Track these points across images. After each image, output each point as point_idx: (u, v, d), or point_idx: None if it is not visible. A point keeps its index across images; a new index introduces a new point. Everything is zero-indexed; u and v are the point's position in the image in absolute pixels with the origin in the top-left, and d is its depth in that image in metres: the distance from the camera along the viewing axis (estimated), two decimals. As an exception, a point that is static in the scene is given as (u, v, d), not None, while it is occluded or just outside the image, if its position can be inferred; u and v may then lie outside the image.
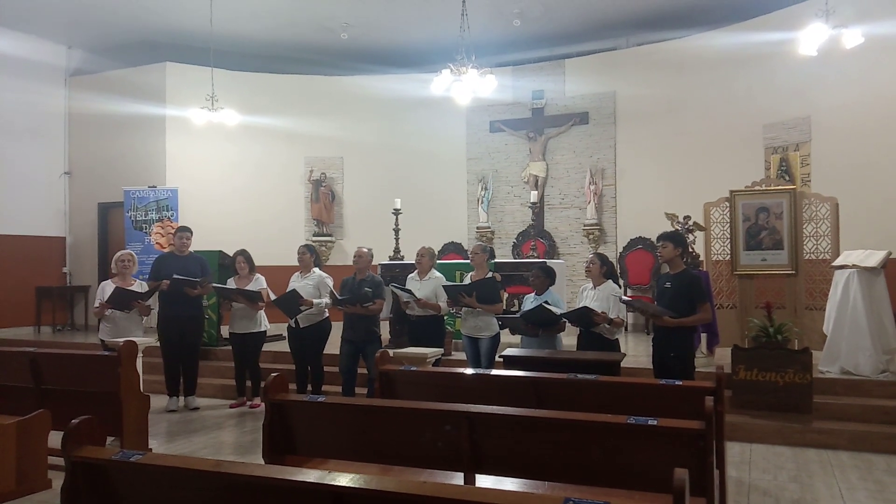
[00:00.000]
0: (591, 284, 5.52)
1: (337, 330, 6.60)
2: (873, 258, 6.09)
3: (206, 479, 2.31)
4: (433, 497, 2.00)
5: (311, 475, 2.19)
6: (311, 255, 6.81)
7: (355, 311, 6.23)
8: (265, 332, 7.05)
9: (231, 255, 7.32)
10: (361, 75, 12.04)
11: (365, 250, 6.42)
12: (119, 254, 6.51)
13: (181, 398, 6.94)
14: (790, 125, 9.39)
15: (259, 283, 6.91)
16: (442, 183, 11.87)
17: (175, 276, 6.57)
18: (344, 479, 2.11)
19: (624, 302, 5.33)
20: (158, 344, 6.86)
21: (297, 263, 6.81)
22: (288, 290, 6.50)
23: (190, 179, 11.13)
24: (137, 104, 11.08)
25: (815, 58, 7.76)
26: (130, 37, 11.24)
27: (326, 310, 6.67)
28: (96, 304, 6.31)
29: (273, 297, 6.75)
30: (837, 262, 6.40)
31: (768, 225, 7.26)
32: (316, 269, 6.77)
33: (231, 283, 6.92)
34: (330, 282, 6.68)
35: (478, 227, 11.65)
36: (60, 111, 11.68)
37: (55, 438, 3.07)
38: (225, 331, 7.64)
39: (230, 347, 7.12)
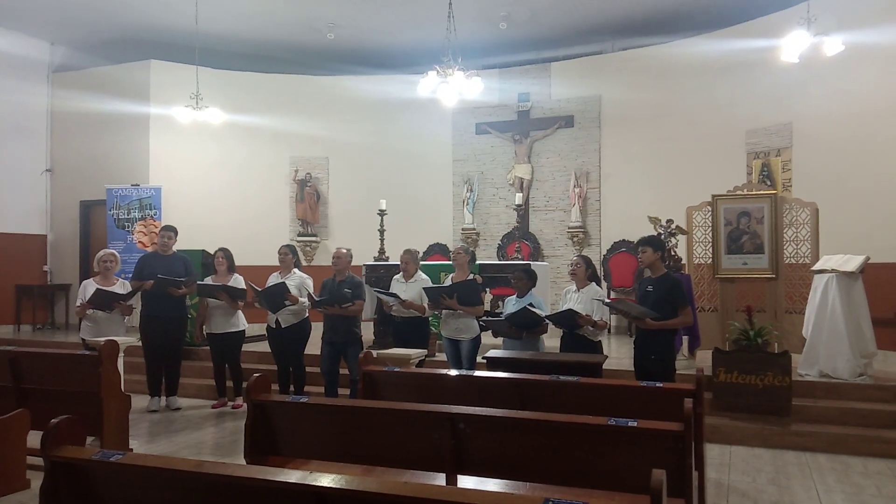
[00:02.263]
0: (574, 287, 5.55)
1: (317, 331, 6.57)
2: (852, 263, 6.18)
3: (187, 479, 2.30)
4: (415, 497, 2.01)
5: (293, 476, 2.19)
6: (293, 256, 6.78)
7: (334, 312, 6.22)
8: (244, 331, 6.98)
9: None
10: (348, 76, 12.02)
11: (344, 251, 6.40)
12: (101, 253, 6.44)
13: (163, 398, 6.88)
14: (772, 131, 9.50)
15: (237, 282, 6.82)
16: (427, 184, 11.88)
17: (159, 276, 6.52)
18: (326, 480, 2.12)
19: (606, 304, 5.36)
20: (140, 343, 6.79)
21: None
22: (276, 283, 6.47)
23: (174, 178, 11.06)
24: (121, 102, 10.98)
25: (797, 65, 7.88)
26: (115, 34, 11.13)
27: (307, 310, 6.64)
28: (78, 304, 6.25)
29: (256, 288, 6.65)
30: (817, 267, 6.48)
31: (749, 229, 7.34)
32: (296, 270, 6.74)
33: (208, 281, 6.86)
34: (310, 282, 6.66)
35: (463, 229, 11.67)
36: (43, 108, 11.53)
37: (34, 438, 3.04)
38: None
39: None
